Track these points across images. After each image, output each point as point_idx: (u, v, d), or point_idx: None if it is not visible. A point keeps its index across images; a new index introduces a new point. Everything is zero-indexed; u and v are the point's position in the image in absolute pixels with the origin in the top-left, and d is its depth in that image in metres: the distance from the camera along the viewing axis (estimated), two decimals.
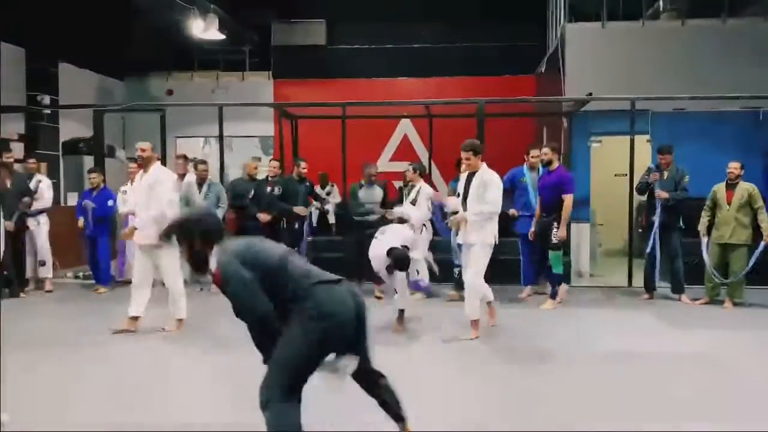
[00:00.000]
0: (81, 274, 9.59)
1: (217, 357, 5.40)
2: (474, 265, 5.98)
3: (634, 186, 8.35)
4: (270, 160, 8.90)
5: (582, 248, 10.04)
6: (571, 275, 9.40)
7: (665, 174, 7.84)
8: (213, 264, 3.04)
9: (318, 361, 3.02)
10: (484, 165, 6.09)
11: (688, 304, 7.70)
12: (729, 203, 7.48)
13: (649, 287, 8.04)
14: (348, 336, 3.07)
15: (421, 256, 6.35)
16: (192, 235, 3.14)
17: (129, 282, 8.71)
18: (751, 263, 7.36)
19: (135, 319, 6.26)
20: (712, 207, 7.64)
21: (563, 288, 7.65)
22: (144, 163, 6.23)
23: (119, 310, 6.49)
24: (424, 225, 7.51)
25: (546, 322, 6.85)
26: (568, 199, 7.28)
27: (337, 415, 3.82)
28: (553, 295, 7.51)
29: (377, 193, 8.23)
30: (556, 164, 7.49)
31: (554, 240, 7.31)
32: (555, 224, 7.30)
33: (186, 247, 3.16)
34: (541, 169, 7.86)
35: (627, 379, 4.91)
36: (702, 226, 7.67)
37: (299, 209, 8.29)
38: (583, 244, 10.05)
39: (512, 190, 8.19)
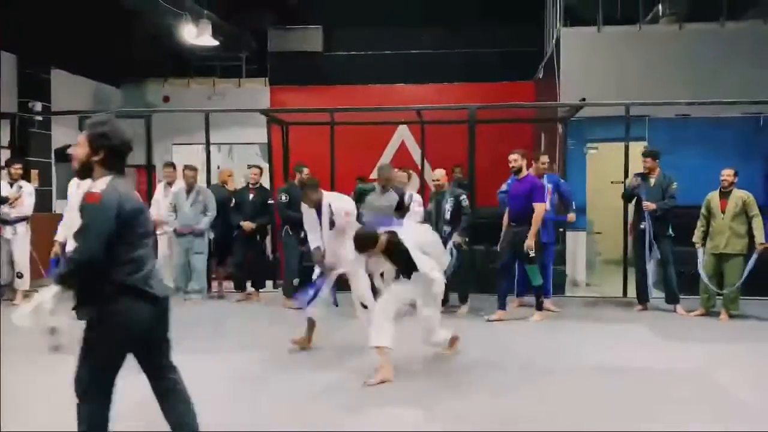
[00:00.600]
0: None
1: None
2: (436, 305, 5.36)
3: (621, 194, 8.08)
4: (249, 167, 8.72)
5: (578, 257, 9.82)
6: (566, 285, 9.21)
7: (651, 181, 7.60)
8: (99, 186, 2.94)
9: (122, 360, 3.06)
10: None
11: (683, 316, 7.46)
12: (723, 212, 7.24)
13: (642, 298, 7.80)
14: (145, 339, 3.10)
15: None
16: (106, 142, 3.00)
17: None
18: (744, 273, 7.12)
19: None
20: (707, 216, 7.41)
21: (512, 305, 7.43)
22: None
23: None
24: None
25: (535, 334, 6.66)
26: (539, 208, 7.01)
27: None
28: (539, 306, 7.28)
29: (392, 199, 7.23)
30: (525, 172, 7.21)
31: (530, 254, 7.02)
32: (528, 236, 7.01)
33: (89, 148, 3.02)
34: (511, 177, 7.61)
35: (613, 394, 4.71)
36: (697, 237, 7.43)
37: None
38: (579, 252, 9.83)
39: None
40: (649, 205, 7.43)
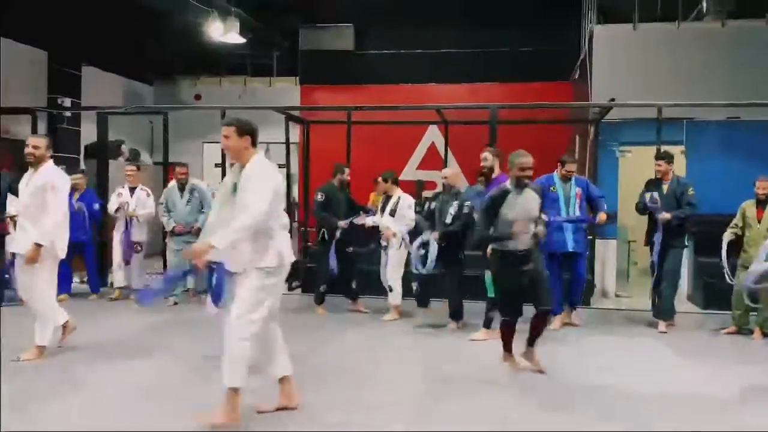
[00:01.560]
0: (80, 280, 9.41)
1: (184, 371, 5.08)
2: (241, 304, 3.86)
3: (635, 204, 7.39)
4: None
5: (608, 266, 9.34)
6: (594, 296, 8.74)
7: (664, 187, 7.02)
8: None
9: None
10: (256, 155, 3.94)
11: (663, 333, 6.88)
12: (759, 221, 6.70)
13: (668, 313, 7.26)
14: None
15: None
16: None
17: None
18: None
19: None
20: (742, 226, 6.87)
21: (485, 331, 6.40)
22: (35, 162, 5.50)
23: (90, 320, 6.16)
24: (402, 239, 7.05)
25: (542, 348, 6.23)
26: None
27: None
28: (487, 323, 6.37)
29: (531, 200, 5.32)
30: (498, 172, 6.52)
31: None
32: None
33: None
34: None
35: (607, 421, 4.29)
36: (724, 245, 6.87)
37: (342, 223, 7.59)
38: (609, 262, 9.34)
39: (540, 201, 7.21)
40: (664, 215, 6.82)
